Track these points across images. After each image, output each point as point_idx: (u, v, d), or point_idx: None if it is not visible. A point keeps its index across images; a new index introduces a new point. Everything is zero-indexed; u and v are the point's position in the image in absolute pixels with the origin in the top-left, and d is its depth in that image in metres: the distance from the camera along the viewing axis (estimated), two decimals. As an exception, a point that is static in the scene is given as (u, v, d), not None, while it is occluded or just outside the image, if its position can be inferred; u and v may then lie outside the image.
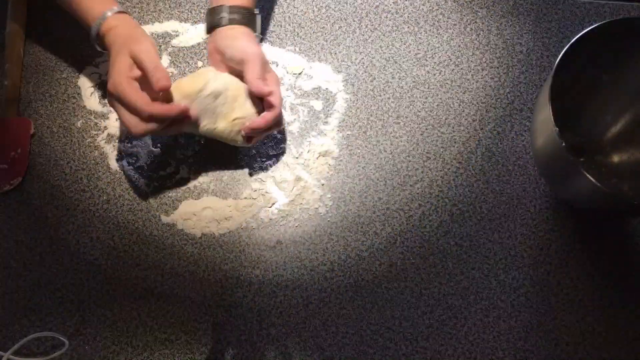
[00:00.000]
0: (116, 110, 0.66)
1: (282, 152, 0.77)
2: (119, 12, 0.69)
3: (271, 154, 0.77)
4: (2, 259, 0.72)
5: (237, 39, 0.72)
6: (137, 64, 0.65)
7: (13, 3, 0.81)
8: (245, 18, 0.73)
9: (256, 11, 0.75)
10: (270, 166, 0.76)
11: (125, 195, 0.75)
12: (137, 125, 0.65)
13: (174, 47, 0.82)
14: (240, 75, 0.71)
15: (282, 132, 0.78)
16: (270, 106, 0.70)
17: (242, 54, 0.70)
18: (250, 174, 0.75)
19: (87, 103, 0.79)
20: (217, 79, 0.70)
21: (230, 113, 0.70)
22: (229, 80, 0.71)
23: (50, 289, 0.71)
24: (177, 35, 0.82)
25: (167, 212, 0.74)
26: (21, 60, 0.80)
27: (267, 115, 0.70)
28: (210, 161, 0.76)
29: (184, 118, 0.68)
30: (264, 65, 0.71)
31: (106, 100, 0.78)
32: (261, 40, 0.79)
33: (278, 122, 0.72)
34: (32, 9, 0.82)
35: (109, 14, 0.68)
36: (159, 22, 0.83)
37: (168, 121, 0.66)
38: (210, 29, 0.73)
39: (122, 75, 0.65)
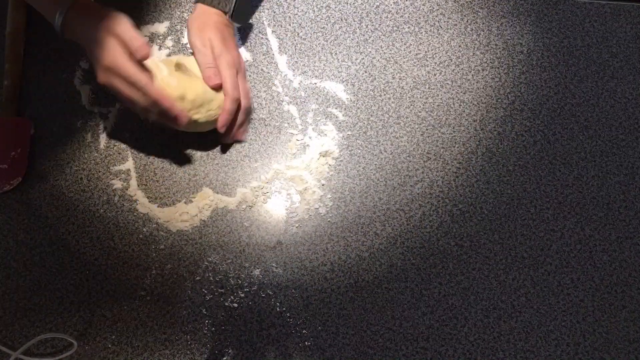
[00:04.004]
0: (116, 87, 0.66)
1: None
2: None
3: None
4: (2, 259, 0.71)
5: (190, 27, 0.75)
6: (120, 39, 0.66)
7: (13, 3, 0.81)
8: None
9: None
10: None
11: (125, 195, 0.75)
12: (140, 98, 0.66)
13: (173, 47, 0.82)
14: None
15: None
16: (225, 95, 0.73)
17: (191, 44, 0.75)
18: None
19: (87, 103, 0.79)
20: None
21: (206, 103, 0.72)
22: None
23: (50, 289, 0.70)
24: (177, 35, 0.82)
25: (167, 212, 0.74)
26: (21, 60, 0.80)
27: (225, 106, 0.73)
28: (208, 161, 0.76)
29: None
30: (213, 50, 0.73)
31: (105, 101, 0.78)
32: (233, 17, 0.78)
33: (245, 108, 0.75)
34: (32, 9, 0.82)
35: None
36: (159, 22, 0.83)
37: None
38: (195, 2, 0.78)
39: (120, 52, 0.65)
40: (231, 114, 0.74)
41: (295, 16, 0.83)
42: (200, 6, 0.77)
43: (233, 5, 0.76)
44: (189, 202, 0.74)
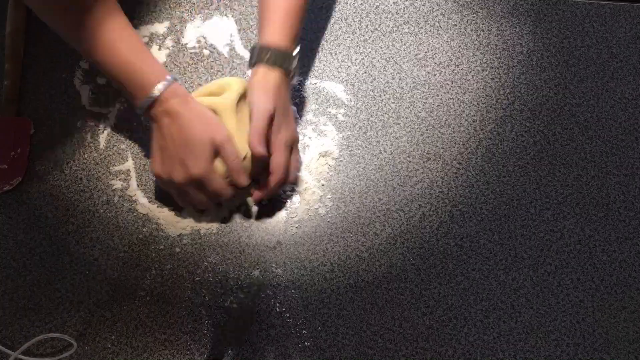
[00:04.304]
0: (186, 190, 0.68)
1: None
2: (172, 83, 0.67)
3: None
4: (2, 259, 0.71)
5: (253, 87, 0.69)
6: (221, 154, 0.67)
7: (13, 3, 0.81)
8: (277, 59, 0.69)
9: (296, 51, 0.71)
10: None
11: (124, 195, 0.75)
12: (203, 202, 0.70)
13: (173, 47, 0.82)
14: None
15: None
16: (272, 173, 0.69)
17: (251, 102, 0.69)
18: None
19: (87, 103, 0.79)
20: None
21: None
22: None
23: (50, 289, 0.70)
24: (177, 35, 0.82)
25: (167, 212, 0.74)
26: (21, 60, 0.80)
27: (269, 184, 0.70)
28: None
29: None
30: (271, 120, 0.68)
31: (105, 101, 0.78)
32: (293, 76, 0.73)
33: (284, 182, 0.71)
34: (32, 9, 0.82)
35: (161, 88, 0.66)
36: (159, 22, 0.83)
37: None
38: (249, 67, 0.72)
39: (208, 163, 0.66)
40: (272, 193, 0.71)
41: (295, 16, 0.83)
42: (262, 69, 0.69)
43: (295, 63, 0.71)
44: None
